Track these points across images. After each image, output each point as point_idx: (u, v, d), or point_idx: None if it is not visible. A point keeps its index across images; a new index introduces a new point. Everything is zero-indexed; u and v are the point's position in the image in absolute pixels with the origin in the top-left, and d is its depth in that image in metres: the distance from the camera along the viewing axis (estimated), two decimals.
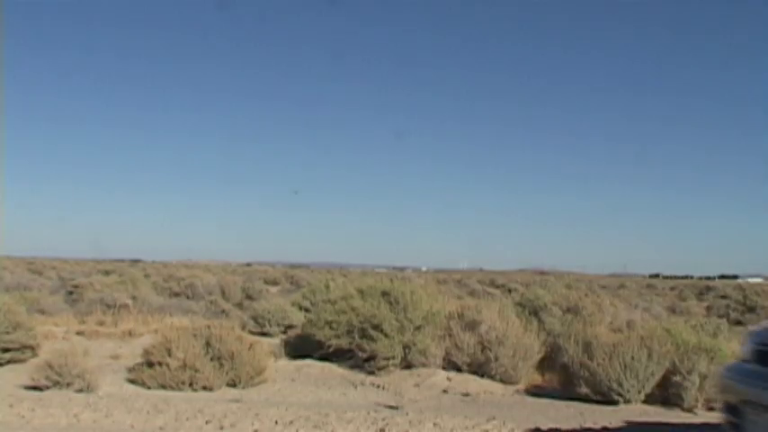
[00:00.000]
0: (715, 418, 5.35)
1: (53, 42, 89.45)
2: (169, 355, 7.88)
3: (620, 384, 7.26)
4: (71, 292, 19.03)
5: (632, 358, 7.31)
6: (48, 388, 7.35)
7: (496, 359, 8.48)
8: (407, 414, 6.20)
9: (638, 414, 6.88)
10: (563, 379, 8.01)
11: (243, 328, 11.36)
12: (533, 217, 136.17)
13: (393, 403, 7.19)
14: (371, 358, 8.79)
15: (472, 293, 23.53)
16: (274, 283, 31.57)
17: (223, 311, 16.77)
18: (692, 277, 77.83)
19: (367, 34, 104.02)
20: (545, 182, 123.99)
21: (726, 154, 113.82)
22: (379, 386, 8.16)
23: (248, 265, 68.65)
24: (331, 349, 9.22)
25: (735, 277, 79.02)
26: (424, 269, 74.92)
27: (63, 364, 7.48)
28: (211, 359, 8.04)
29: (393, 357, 8.76)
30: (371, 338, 8.78)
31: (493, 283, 34.92)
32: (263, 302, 15.77)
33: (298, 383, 8.38)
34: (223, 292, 20.69)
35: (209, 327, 8.58)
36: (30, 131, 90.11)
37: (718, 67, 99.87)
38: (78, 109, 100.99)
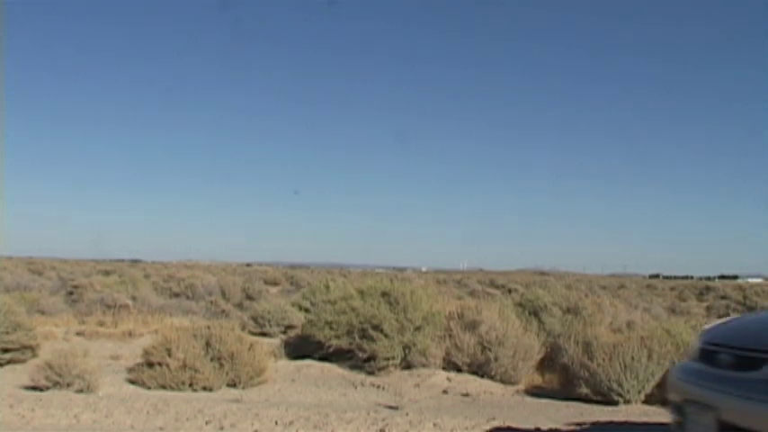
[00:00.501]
0: None
1: (53, 42, 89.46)
2: (169, 355, 7.89)
3: (621, 385, 7.26)
4: (71, 293, 19.03)
5: (632, 358, 7.31)
6: (48, 388, 7.36)
7: (496, 359, 8.49)
8: (407, 414, 6.20)
9: (638, 414, 6.88)
10: (563, 379, 8.01)
11: (243, 328, 11.35)
12: (533, 217, 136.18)
13: (393, 403, 7.19)
14: (371, 358, 8.79)
15: (472, 294, 23.54)
16: (274, 283, 31.55)
17: (223, 312, 16.76)
18: (692, 277, 77.79)
19: (367, 34, 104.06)
20: (545, 182, 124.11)
21: (726, 154, 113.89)
22: (379, 386, 8.16)
23: (248, 265, 68.59)
24: (331, 349, 9.22)
25: (735, 277, 79.01)
26: (424, 269, 74.90)
27: (63, 364, 7.48)
28: (211, 359, 8.04)
29: (393, 358, 8.76)
30: (371, 339, 8.78)
31: (493, 284, 34.92)
32: (263, 303, 15.76)
33: (298, 384, 8.38)
34: (223, 293, 20.68)
35: (209, 327, 8.58)
36: (30, 131, 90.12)
37: (719, 67, 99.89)
38: (78, 109, 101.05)
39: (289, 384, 8.34)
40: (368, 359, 8.83)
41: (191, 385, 7.77)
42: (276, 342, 10.81)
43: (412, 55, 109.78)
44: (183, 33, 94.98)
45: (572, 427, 6.06)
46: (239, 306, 18.62)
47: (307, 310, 12.56)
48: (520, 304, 10.78)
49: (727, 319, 4.88)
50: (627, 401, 7.30)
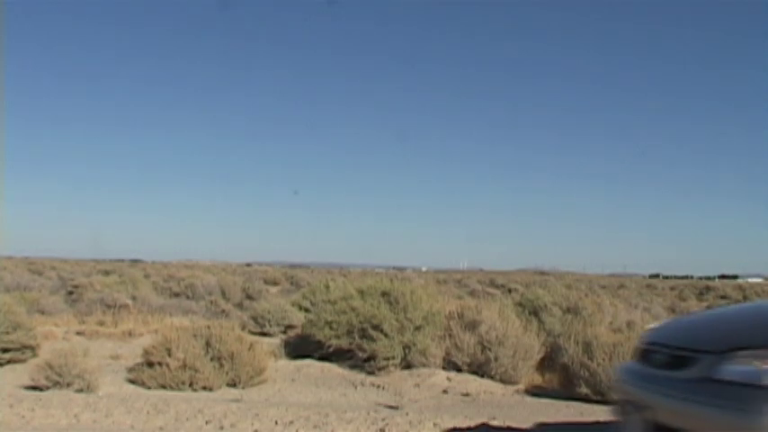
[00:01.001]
0: None
1: (53, 41, 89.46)
2: (169, 355, 7.89)
3: None
4: (71, 292, 19.03)
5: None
6: (48, 388, 7.36)
7: (496, 359, 8.49)
8: (407, 414, 6.20)
9: None
10: (563, 379, 8.01)
11: (243, 328, 11.35)
12: (533, 217, 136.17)
13: (393, 403, 7.19)
14: (371, 358, 8.79)
15: (472, 293, 23.54)
16: (274, 283, 31.55)
17: (223, 311, 16.76)
18: (691, 277, 77.80)
19: (367, 34, 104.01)
20: (545, 182, 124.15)
21: (726, 154, 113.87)
22: (379, 386, 8.16)
23: (248, 265, 68.60)
24: (331, 349, 9.22)
25: (735, 277, 79.00)
26: (424, 269, 74.90)
27: (63, 364, 7.48)
28: (211, 359, 8.04)
29: (393, 357, 8.76)
30: (371, 338, 8.78)
31: (493, 283, 34.90)
32: (263, 302, 15.76)
33: (298, 383, 8.38)
34: (223, 293, 20.68)
35: (209, 327, 8.58)
36: (30, 131, 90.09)
37: (719, 66, 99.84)
38: (78, 108, 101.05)
39: (289, 384, 8.34)
40: (368, 359, 8.83)
41: (191, 385, 7.77)
42: (276, 342, 10.81)
43: (412, 55, 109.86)
44: (183, 33, 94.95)
45: (572, 426, 6.06)
46: (239, 306, 18.62)
47: (307, 310, 12.57)
48: (520, 304, 10.77)
49: (672, 318, 4.89)
50: None
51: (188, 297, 19.64)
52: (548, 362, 8.81)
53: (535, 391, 8.06)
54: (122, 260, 53.77)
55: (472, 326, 8.89)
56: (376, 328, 8.82)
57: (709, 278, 74.07)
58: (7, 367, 8.85)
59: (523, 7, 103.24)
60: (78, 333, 11.82)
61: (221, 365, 8.03)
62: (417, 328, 8.96)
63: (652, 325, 4.47)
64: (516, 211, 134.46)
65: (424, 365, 8.75)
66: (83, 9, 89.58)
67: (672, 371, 3.39)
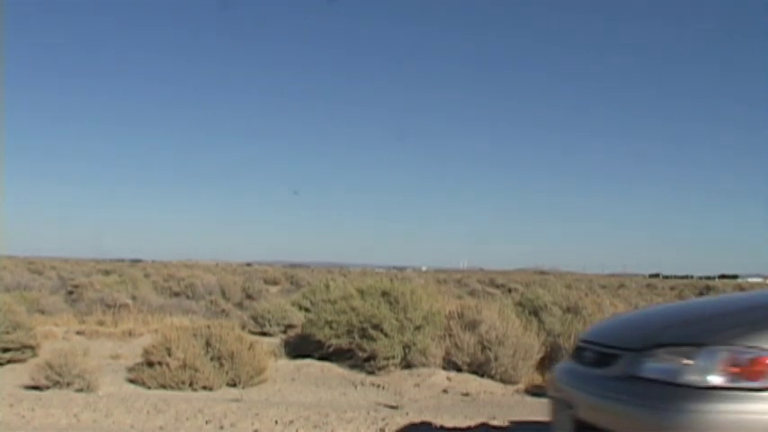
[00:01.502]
0: None
1: (53, 40, 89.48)
2: (169, 354, 7.89)
3: None
4: (71, 292, 19.04)
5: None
6: (48, 388, 7.36)
7: (496, 359, 8.49)
8: (407, 414, 6.21)
9: None
10: None
11: (243, 327, 11.35)
12: (533, 217, 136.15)
13: (393, 403, 7.19)
14: (371, 358, 8.80)
15: (472, 293, 23.54)
16: (274, 283, 31.54)
17: (223, 311, 16.77)
18: (692, 277, 77.72)
19: (367, 33, 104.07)
20: (545, 181, 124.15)
21: (726, 154, 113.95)
22: (379, 386, 8.16)
23: (248, 265, 68.59)
24: (331, 349, 9.22)
25: (735, 277, 78.94)
26: (424, 269, 74.87)
27: (63, 363, 7.48)
28: (211, 359, 8.04)
29: (393, 357, 8.77)
30: (371, 338, 8.78)
31: (493, 283, 34.90)
32: (263, 302, 15.77)
33: (298, 383, 8.38)
34: (223, 292, 20.69)
35: (209, 327, 8.58)
36: (29, 131, 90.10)
37: (719, 65, 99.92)
38: (78, 108, 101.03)
39: (289, 384, 8.34)
40: (368, 359, 8.83)
41: (191, 385, 7.77)
42: (276, 341, 10.81)
43: (412, 53, 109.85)
44: (184, 31, 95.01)
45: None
46: (239, 305, 18.62)
47: (307, 310, 12.57)
48: (520, 304, 10.77)
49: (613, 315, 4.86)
50: None
51: (188, 297, 19.65)
52: (548, 362, 8.80)
53: (535, 391, 8.05)
54: (122, 260, 53.80)
55: (472, 326, 8.89)
56: (376, 327, 8.82)
57: (709, 278, 74.01)
58: (7, 367, 8.85)
59: (524, 5, 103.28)
60: (78, 333, 11.82)
61: (221, 365, 8.03)
62: (417, 328, 8.96)
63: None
64: (516, 210, 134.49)
65: (423, 365, 8.75)
66: (82, 8, 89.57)
67: (597, 368, 3.35)
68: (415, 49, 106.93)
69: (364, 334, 8.86)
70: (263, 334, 12.27)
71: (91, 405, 6.27)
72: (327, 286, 13.54)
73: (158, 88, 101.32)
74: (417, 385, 8.18)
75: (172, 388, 7.71)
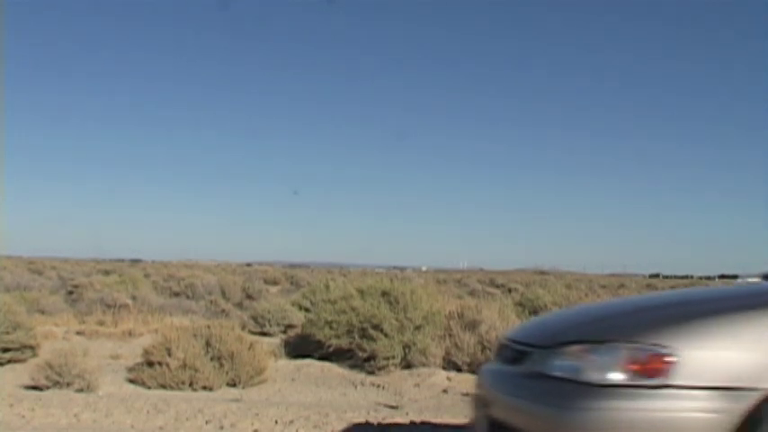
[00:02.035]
0: None
1: (52, 39, 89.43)
2: (169, 354, 7.89)
3: None
4: (71, 292, 19.05)
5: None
6: (48, 388, 7.36)
7: None
8: (407, 414, 6.21)
9: None
10: None
11: (243, 327, 11.36)
12: (533, 216, 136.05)
13: (393, 403, 7.19)
14: (371, 358, 8.80)
15: (472, 293, 23.54)
16: (274, 283, 31.53)
17: (223, 311, 16.77)
18: (692, 277, 77.66)
19: (367, 33, 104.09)
20: (545, 181, 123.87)
21: (726, 153, 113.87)
22: (379, 386, 8.17)
23: (248, 265, 68.55)
24: (331, 349, 9.23)
25: (735, 277, 78.57)
26: (424, 269, 74.84)
27: (63, 363, 7.49)
28: (211, 359, 8.05)
29: (393, 357, 8.77)
30: (371, 338, 8.78)
31: (493, 283, 34.88)
32: (263, 302, 15.77)
33: (298, 383, 8.38)
34: (223, 292, 20.69)
35: (209, 327, 8.59)
36: (29, 130, 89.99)
37: (720, 65, 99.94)
38: (78, 107, 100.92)
39: (289, 384, 8.34)
40: (368, 359, 8.84)
41: (191, 385, 7.77)
42: (276, 341, 10.81)
43: (412, 53, 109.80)
44: (184, 30, 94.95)
45: None
46: (239, 306, 18.62)
47: (307, 310, 12.57)
48: (520, 304, 10.80)
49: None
50: None
51: (188, 297, 19.66)
52: None
53: None
54: (122, 260, 53.75)
55: (472, 325, 8.89)
56: (376, 327, 8.82)
57: (709, 278, 73.89)
58: (7, 367, 8.86)
59: (524, 4, 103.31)
60: (78, 333, 11.83)
61: (221, 365, 8.03)
62: (417, 328, 8.97)
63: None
64: (516, 210, 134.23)
65: (423, 365, 8.75)
66: (82, 7, 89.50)
67: (512, 366, 3.32)
68: (415, 49, 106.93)
69: (364, 334, 8.87)
70: (263, 334, 12.27)
71: (91, 405, 6.27)
72: (327, 286, 13.55)
73: (158, 88, 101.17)
74: (417, 385, 8.19)
75: (172, 388, 7.71)
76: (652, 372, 2.79)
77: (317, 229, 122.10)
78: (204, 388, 7.76)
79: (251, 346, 8.35)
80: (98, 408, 6.19)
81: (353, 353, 8.98)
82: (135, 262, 53.65)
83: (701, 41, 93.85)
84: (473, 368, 8.62)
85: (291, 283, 31.02)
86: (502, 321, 8.87)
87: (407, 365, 8.82)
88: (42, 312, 14.39)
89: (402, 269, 60.16)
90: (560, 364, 3.02)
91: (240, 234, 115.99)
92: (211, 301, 18.32)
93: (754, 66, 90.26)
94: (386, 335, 8.78)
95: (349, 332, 9.07)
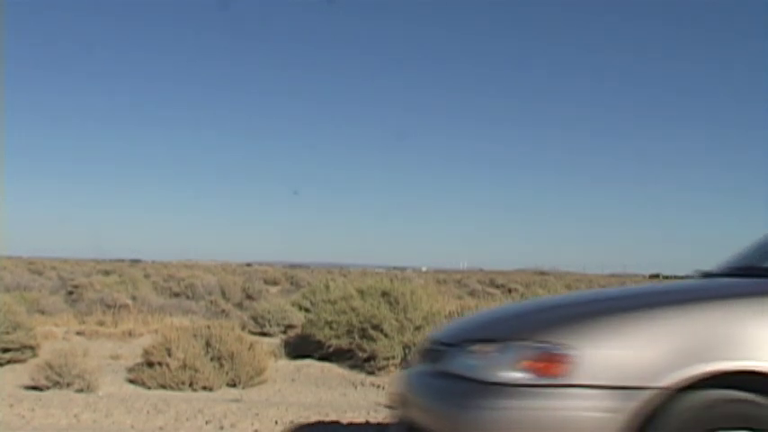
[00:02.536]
0: None
1: (52, 39, 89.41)
2: (169, 355, 7.89)
3: None
4: (71, 292, 19.05)
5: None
6: (48, 388, 7.36)
7: None
8: None
9: None
10: None
11: (243, 328, 11.36)
12: (533, 216, 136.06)
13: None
14: (371, 358, 8.80)
15: (472, 293, 23.54)
16: (274, 283, 31.53)
17: (223, 311, 16.77)
18: (692, 277, 77.60)
19: (367, 33, 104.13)
20: (545, 181, 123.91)
21: (726, 153, 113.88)
22: (379, 386, 8.16)
23: (248, 265, 68.55)
24: (331, 349, 9.23)
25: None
26: (424, 269, 74.84)
27: (63, 364, 7.48)
28: (211, 359, 8.05)
29: (393, 357, 8.77)
30: (371, 338, 8.79)
31: (493, 283, 34.87)
32: (263, 302, 15.76)
33: (298, 383, 8.38)
34: (223, 292, 20.69)
35: (209, 327, 8.59)
36: (29, 130, 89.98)
37: (720, 65, 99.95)
38: (78, 107, 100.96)
39: (289, 384, 8.34)
40: (368, 359, 8.84)
41: (191, 385, 7.77)
42: (276, 342, 10.81)
43: (412, 53, 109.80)
44: (184, 30, 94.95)
45: None
46: (239, 306, 18.62)
47: (307, 310, 12.57)
48: None
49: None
50: None
51: (188, 297, 19.65)
52: None
53: None
54: (122, 260, 53.72)
55: None
56: (376, 327, 8.83)
57: None
58: (7, 367, 8.86)
59: (524, 4, 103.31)
60: (78, 333, 11.82)
61: (221, 365, 8.03)
62: (417, 328, 8.97)
63: None
64: (516, 210, 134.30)
65: None
66: (82, 7, 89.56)
67: (427, 366, 3.31)
68: (415, 49, 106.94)
69: (364, 334, 8.87)
70: (263, 334, 12.27)
71: (91, 405, 6.27)
72: (327, 286, 13.55)
73: (158, 88, 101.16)
74: None
75: (172, 388, 7.71)
76: (550, 371, 2.77)
77: (316, 229, 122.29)
78: (204, 388, 7.76)
79: (251, 347, 8.35)
80: (98, 408, 6.19)
81: (353, 353, 8.98)
82: (135, 262, 53.65)
83: (701, 41, 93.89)
84: None
85: (291, 284, 31.01)
86: None
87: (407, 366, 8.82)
88: (42, 312, 14.39)
89: (402, 269, 60.14)
90: (464, 363, 3.00)
91: (240, 234, 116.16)
92: (211, 302, 18.32)
93: (754, 66, 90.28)
94: (386, 335, 8.78)
95: (349, 332, 9.07)
